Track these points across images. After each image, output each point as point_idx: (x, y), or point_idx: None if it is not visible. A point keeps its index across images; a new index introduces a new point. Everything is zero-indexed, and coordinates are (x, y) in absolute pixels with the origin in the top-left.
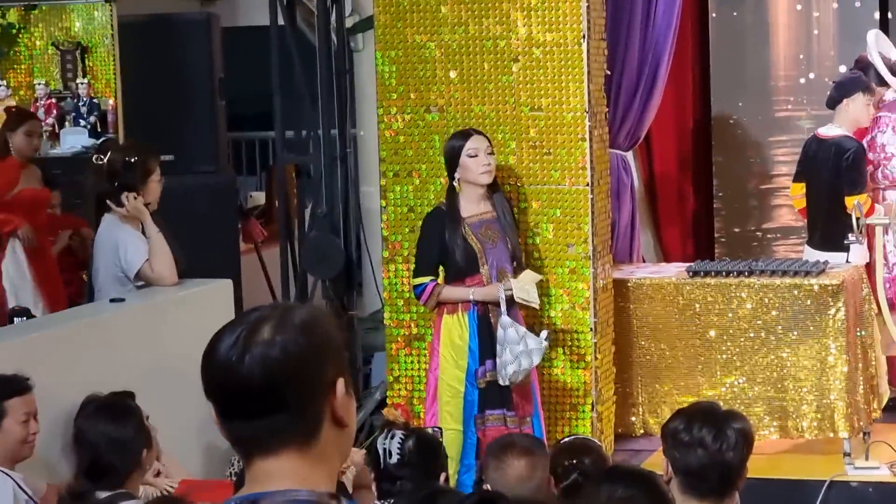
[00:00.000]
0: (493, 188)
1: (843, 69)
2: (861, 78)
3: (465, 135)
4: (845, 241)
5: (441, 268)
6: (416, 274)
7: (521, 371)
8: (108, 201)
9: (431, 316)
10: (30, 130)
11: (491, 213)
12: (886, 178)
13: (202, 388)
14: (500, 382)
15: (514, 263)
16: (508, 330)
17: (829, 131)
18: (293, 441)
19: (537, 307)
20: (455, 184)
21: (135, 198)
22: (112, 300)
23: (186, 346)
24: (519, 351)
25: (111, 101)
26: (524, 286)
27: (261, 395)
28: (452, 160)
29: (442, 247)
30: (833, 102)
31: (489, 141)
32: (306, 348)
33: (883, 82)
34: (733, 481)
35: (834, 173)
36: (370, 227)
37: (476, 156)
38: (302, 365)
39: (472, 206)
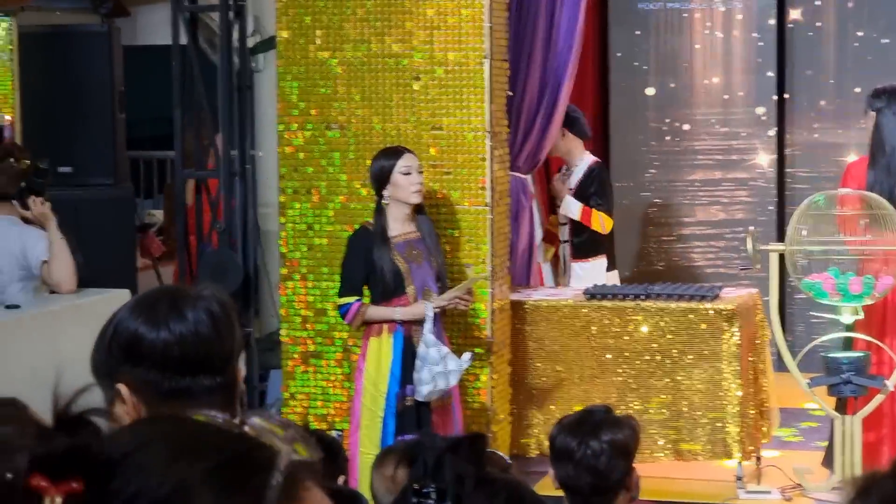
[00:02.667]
0: (418, 208)
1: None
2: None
3: (396, 152)
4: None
5: (366, 288)
6: (341, 293)
7: (435, 391)
8: (12, 202)
9: (359, 338)
10: None
11: (416, 233)
12: None
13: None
14: (417, 399)
15: (440, 284)
16: (431, 349)
17: None
18: (217, 405)
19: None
20: (384, 202)
21: (42, 203)
22: (7, 306)
23: (82, 354)
24: (437, 371)
25: (8, 117)
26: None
27: (223, 351)
28: (382, 178)
29: (368, 267)
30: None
31: (418, 160)
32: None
33: None
34: (606, 491)
35: None
36: (266, 248)
37: (409, 174)
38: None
39: (399, 225)
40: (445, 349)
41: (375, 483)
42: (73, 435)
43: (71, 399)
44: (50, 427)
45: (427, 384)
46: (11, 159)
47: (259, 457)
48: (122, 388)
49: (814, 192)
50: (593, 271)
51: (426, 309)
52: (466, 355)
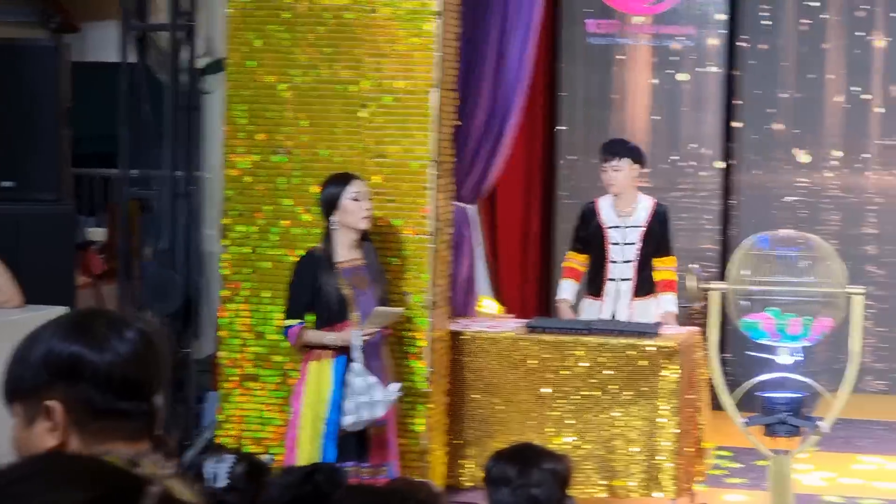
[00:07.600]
0: (363, 235)
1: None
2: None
3: (346, 178)
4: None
5: (313, 311)
6: (286, 316)
7: (360, 422)
8: None
9: (298, 362)
10: None
11: (361, 259)
12: None
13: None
14: (343, 427)
15: None
16: (356, 379)
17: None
18: (143, 430)
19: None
20: (332, 228)
21: None
22: None
23: None
24: (361, 401)
25: None
26: (379, 313)
27: (158, 376)
28: (331, 203)
29: (314, 291)
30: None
31: (367, 187)
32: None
33: None
34: None
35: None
36: (208, 270)
37: (359, 200)
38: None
39: (345, 251)
40: (373, 379)
41: None
42: None
43: None
44: None
45: (351, 414)
46: None
47: (129, 487)
48: (56, 406)
49: (758, 230)
50: (650, 307)
51: (352, 337)
52: (394, 386)
